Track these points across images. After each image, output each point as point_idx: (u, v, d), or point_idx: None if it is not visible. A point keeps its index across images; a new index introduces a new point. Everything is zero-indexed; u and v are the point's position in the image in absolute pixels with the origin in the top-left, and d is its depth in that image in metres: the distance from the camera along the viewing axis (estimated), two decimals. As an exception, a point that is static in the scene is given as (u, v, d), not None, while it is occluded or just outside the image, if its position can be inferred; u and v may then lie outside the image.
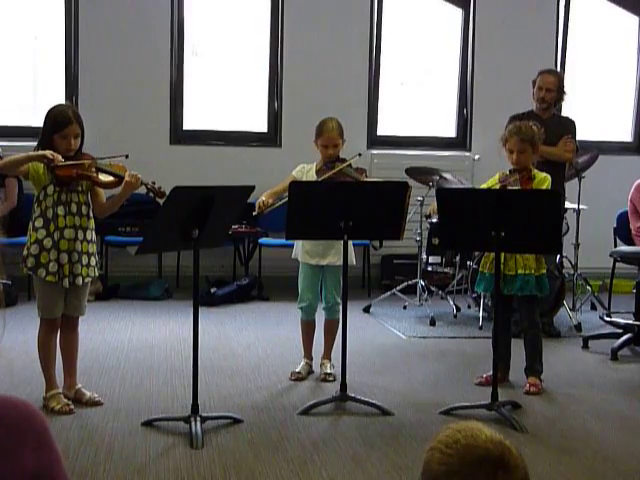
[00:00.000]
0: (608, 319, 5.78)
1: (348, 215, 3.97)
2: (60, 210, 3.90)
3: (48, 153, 3.82)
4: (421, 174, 6.52)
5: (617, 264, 5.75)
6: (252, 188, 3.90)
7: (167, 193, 3.72)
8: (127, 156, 4.00)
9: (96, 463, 3.31)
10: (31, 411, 1.28)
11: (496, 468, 1.31)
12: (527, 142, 4.38)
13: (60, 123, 3.88)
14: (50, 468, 1.28)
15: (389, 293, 6.51)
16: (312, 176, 4.53)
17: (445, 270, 6.37)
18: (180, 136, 7.36)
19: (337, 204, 4.00)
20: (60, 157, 3.85)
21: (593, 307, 6.65)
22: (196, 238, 3.66)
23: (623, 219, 6.01)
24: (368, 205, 4.06)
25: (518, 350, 4.60)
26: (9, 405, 1.27)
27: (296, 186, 4.12)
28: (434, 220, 5.77)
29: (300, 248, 4.63)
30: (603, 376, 4.82)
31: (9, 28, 7.21)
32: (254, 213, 4.45)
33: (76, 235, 3.92)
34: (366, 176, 4.58)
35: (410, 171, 6.51)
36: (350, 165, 4.51)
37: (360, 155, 4.60)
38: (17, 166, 3.91)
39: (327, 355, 4.69)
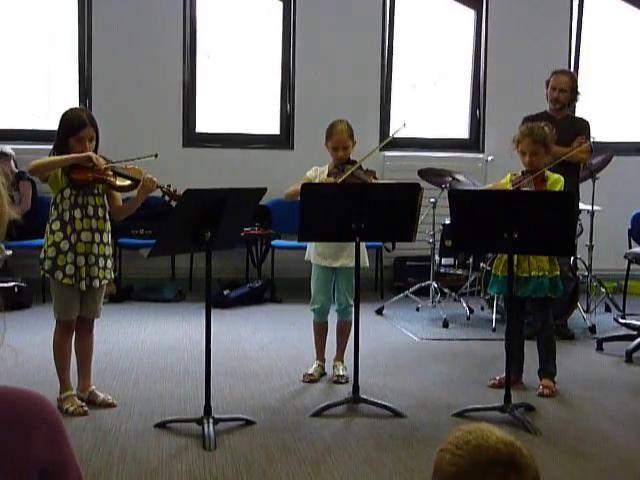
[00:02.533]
0: (623, 321, 5.75)
1: (360, 217, 3.97)
2: (77, 213, 3.91)
3: (93, 156, 3.83)
4: (434, 176, 6.51)
5: (632, 266, 5.73)
6: (264, 190, 3.90)
7: (182, 196, 3.72)
8: (156, 155, 3.99)
9: (109, 464, 3.32)
10: (45, 404, 1.30)
11: (508, 469, 1.30)
12: (539, 143, 4.36)
13: (75, 126, 3.88)
14: (63, 459, 1.29)
15: (402, 295, 6.50)
16: (324, 178, 4.53)
17: (458, 272, 6.36)
18: (192, 139, 7.37)
19: (349, 206, 3.99)
20: (102, 160, 3.87)
21: (607, 309, 6.61)
22: (209, 240, 3.66)
23: (637, 220, 5.99)
24: (380, 207, 4.05)
25: (531, 352, 4.58)
26: (24, 397, 1.28)
27: (308, 188, 4.12)
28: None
29: (313, 250, 4.63)
30: (617, 378, 4.80)
31: (23, 32, 7.25)
32: None
33: (93, 238, 3.93)
34: (375, 178, 4.57)
35: (422, 173, 6.50)
36: (360, 167, 4.51)
37: (405, 125, 4.62)
38: (57, 167, 3.87)
39: (339, 357, 4.69)
